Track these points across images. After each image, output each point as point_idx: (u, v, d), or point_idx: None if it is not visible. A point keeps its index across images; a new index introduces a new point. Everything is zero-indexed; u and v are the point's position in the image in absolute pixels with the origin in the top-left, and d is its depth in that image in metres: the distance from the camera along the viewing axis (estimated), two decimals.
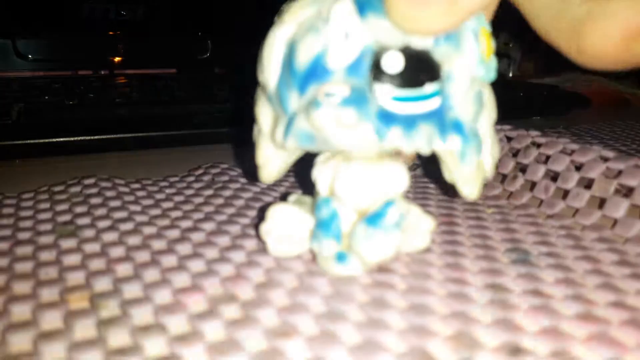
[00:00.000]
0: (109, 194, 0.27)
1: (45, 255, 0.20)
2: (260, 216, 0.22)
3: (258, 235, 0.22)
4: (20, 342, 0.15)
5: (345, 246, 0.18)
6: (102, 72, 0.46)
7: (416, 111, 0.16)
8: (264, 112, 0.18)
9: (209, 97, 0.43)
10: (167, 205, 0.26)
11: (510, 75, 0.62)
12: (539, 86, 0.58)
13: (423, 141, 0.16)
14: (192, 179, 0.30)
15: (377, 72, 0.16)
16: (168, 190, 0.28)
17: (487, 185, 0.28)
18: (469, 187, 0.17)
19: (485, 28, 0.17)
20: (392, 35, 0.15)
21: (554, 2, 0.16)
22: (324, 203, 0.18)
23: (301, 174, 0.20)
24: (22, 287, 0.18)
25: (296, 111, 0.16)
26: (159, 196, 0.27)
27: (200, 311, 0.16)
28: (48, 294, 0.17)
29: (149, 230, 0.22)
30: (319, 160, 0.19)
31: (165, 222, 0.23)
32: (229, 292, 0.17)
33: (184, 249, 0.21)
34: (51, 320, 0.16)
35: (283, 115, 0.17)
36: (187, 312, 0.16)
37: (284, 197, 0.24)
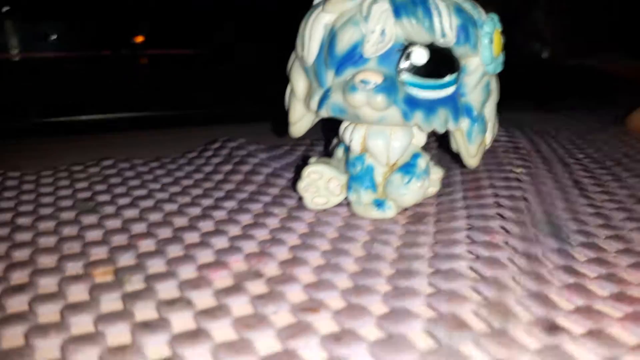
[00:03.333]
0: (128, 173, 0.26)
1: (68, 230, 0.20)
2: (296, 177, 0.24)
3: (279, 214, 0.22)
4: (48, 312, 0.14)
5: (379, 194, 0.21)
6: (124, 52, 0.46)
7: (436, 97, 0.19)
8: (298, 79, 0.20)
9: (227, 76, 0.43)
10: (186, 182, 0.25)
11: (544, 56, 0.59)
12: (569, 67, 0.56)
13: (439, 123, 0.19)
14: (210, 153, 0.30)
15: (405, 63, 0.18)
16: (187, 168, 0.27)
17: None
18: (472, 159, 0.21)
19: (499, 29, 0.19)
20: (421, 34, 0.18)
21: None
22: (359, 160, 0.21)
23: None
24: (47, 261, 0.17)
25: (331, 87, 0.19)
26: (179, 174, 0.27)
27: (226, 286, 0.16)
28: (72, 267, 0.17)
29: (169, 207, 0.22)
30: (345, 124, 0.21)
31: (186, 199, 0.23)
32: (254, 268, 0.17)
33: (206, 225, 0.20)
34: (77, 292, 0.15)
35: (318, 88, 0.19)
36: (212, 287, 0.16)
37: (305, 159, 0.26)
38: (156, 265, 0.17)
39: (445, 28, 0.18)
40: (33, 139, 0.33)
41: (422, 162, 0.21)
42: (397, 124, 0.19)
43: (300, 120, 0.21)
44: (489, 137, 0.21)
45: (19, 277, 0.16)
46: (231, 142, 0.31)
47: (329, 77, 0.19)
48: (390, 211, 0.21)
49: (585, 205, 0.23)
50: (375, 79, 0.18)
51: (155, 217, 0.21)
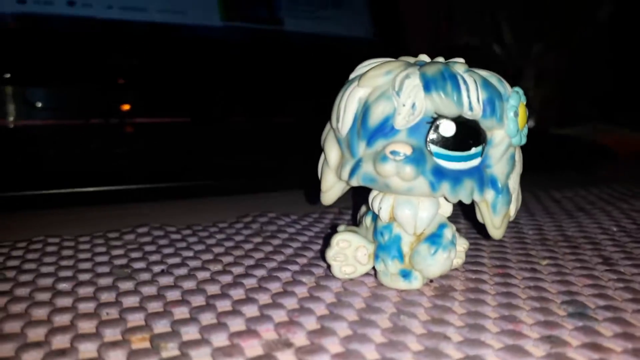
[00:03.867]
0: (162, 241, 0.27)
1: (106, 296, 0.21)
2: (324, 245, 0.26)
3: (307, 283, 0.22)
4: None
5: (405, 264, 0.21)
6: (113, 121, 0.46)
7: (462, 168, 0.20)
8: (332, 149, 0.22)
9: (227, 148, 0.44)
10: (218, 250, 0.26)
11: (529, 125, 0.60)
12: (560, 137, 0.57)
13: (465, 194, 0.20)
14: (240, 225, 0.31)
15: (433, 135, 0.19)
16: (218, 236, 0.28)
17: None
18: (497, 231, 0.21)
19: (524, 103, 0.20)
20: (449, 108, 0.19)
21: None
22: (386, 229, 0.21)
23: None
24: (86, 326, 0.18)
25: (362, 157, 0.20)
26: (210, 241, 0.28)
27: (257, 355, 0.16)
28: (111, 333, 0.18)
29: (202, 274, 0.23)
30: (374, 193, 0.22)
31: (218, 267, 0.24)
32: (283, 337, 0.18)
33: (237, 293, 0.21)
34: (116, 358, 0.16)
35: (350, 158, 0.21)
36: (244, 356, 0.16)
37: (333, 228, 0.27)
38: (190, 332, 0.18)
39: (472, 102, 0.19)
40: (69, 208, 0.34)
41: (449, 232, 0.21)
42: (424, 195, 0.20)
43: (332, 189, 0.22)
44: (513, 209, 0.21)
45: (60, 341, 0.17)
46: (262, 217, 0.32)
47: (361, 148, 0.20)
48: (416, 282, 0.21)
49: (613, 281, 0.23)
50: (405, 150, 0.19)
51: (188, 284, 0.22)
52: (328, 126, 0.22)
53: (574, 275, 0.23)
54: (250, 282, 0.22)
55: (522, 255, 0.26)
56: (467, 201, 0.20)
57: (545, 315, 0.19)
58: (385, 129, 0.19)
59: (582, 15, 0.66)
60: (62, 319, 0.19)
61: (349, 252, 0.22)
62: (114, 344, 0.17)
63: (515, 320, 0.19)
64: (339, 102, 0.21)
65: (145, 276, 0.23)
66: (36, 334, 0.18)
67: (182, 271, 0.23)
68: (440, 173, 0.19)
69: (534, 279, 0.23)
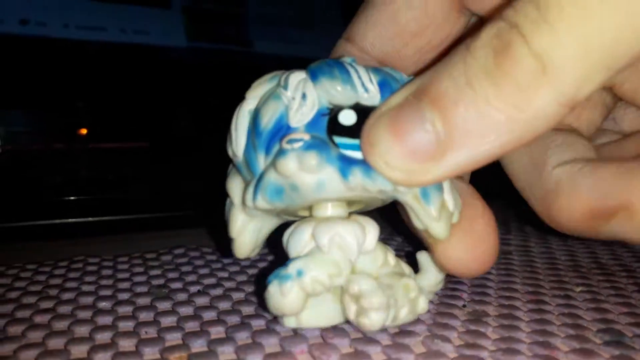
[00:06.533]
0: (198, 262, 0.28)
1: (144, 315, 0.21)
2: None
3: None
4: None
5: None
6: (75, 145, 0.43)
7: None
8: (234, 185, 0.19)
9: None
10: (252, 271, 0.27)
11: None
12: None
13: (383, 180, 0.16)
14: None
15: (334, 125, 0.17)
16: (253, 257, 0.29)
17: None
18: (438, 225, 0.17)
19: None
20: (342, 93, 0.17)
21: (528, 167, 0.18)
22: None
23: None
24: (126, 344, 0.19)
25: (264, 170, 0.17)
26: (245, 262, 0.28)
27: None
28: (150, 352, 0.18)
29: (237, 295, 0.23)
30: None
31: (252, 288, 0.24)
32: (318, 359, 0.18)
33: (270, 314, 0.21)
34: None
35: (252, 178, 0.18)
36: None
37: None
38: (226, 352, 0.18)
39: (365, 83, 0.17)
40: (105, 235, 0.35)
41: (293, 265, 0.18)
42: (337, 190, 0.17)
43: (243, 233, 0.19)
44: (450, 201, 0.18)
45: (102, 359, 0.18)
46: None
47: (260, 160, 0.18)
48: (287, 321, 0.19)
49: None
50: (303, 136, 0.17)
51: (224, 305, 0.22)
52: (230, 166, 0.20)
53: (609, 303, 0.23)
54: None
55: (555, 282, 0.26)
56: (389, 187, 0.16)
57: (581, 343, 0.19)
58: (281, 129, 0.17)
59: None
60: (103, 337, 0.19)
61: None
62: None
63: (550, 346, 0.19)
64: (231, 124, 0.19)
65: (182, 296, 0.23)
66: (79, 350, 0.18)
67: (218, 291, 0.24)
68: (348, 159, 0.17)
69: (568, 306, 0.23)
